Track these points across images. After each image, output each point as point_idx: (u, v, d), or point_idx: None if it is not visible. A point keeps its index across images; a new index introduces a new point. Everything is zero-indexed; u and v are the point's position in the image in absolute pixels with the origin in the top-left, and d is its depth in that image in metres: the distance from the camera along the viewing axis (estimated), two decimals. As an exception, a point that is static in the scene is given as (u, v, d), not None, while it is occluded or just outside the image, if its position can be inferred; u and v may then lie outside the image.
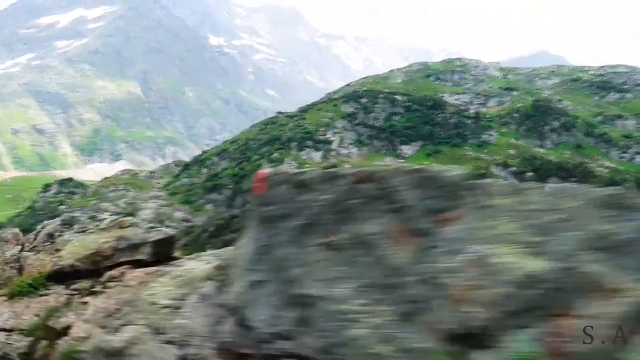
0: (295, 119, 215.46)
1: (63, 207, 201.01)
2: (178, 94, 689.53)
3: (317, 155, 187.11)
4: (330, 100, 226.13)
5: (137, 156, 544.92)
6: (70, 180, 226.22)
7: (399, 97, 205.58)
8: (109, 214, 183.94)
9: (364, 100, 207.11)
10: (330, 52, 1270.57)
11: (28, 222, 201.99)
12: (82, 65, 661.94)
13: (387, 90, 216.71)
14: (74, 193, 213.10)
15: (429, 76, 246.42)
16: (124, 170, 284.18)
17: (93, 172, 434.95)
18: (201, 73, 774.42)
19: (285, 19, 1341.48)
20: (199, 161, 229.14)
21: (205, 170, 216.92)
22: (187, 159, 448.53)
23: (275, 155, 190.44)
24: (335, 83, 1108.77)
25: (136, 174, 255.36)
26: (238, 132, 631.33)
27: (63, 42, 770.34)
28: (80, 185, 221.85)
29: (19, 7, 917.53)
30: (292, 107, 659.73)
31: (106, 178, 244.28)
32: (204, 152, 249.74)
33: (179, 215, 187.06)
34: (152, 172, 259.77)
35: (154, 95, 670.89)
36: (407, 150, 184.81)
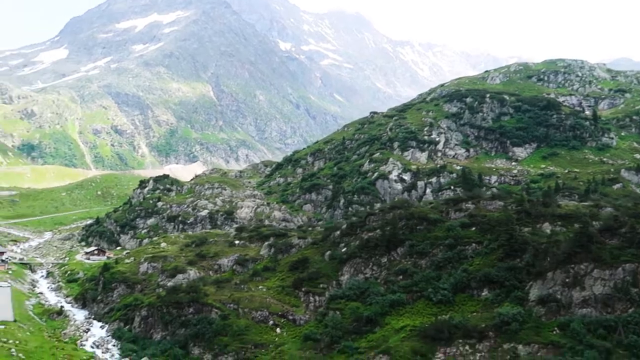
0: (394, 118, 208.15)
1: (160, 203, 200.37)
2: (249, 97, 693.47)
3: (422, 156, 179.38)
4: (430, 100, 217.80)
5: (210, 157, 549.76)
6: (166, 176, 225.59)
7: (507, 97, 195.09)
8: (206, 211, 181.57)
9: (468, 100, 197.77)
10: (397, 58, 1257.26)
11: (127, 217, 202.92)
12: (158, 67, 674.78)
13: (493, 90, 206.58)
14: (169, 190, 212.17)
15: (529, 77, 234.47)
16: (213, 169, 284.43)
17: (170, 172, 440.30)
18: (271, 77, 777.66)
19: (351, 25, 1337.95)
20: (292, 161, 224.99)
21: (299, 170, 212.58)
22: (258, 161, 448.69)
23: (377, 155, 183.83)
24: (402, 89, 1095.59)
25: (225, 172, 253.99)
26: (308, 136, 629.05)
27: (139, 46, 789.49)
28: (176, 182, 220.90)
29: (95, 12, 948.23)
30: (359, 112, 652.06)
31: (197, 176, 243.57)
32: (296, 152, 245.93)
33: (277, 214, 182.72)
34: (240, 172, 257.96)
35: (225, 97, 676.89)
36: (520, 152, 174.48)
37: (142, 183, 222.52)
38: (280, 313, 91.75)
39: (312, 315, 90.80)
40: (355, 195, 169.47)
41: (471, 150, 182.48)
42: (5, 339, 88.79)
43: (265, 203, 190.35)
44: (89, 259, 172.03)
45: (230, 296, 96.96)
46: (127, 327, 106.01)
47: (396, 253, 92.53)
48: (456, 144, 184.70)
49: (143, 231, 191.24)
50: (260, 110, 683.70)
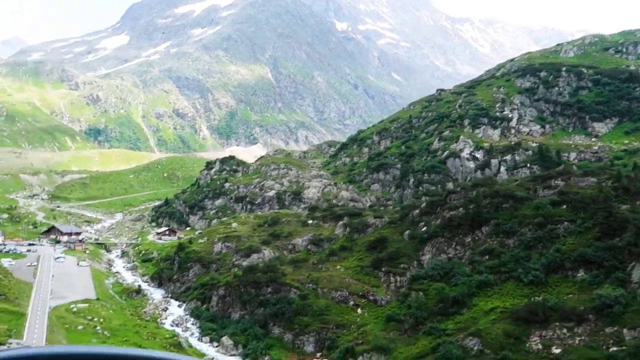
0: (463, 95, 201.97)
1: (227, 184, 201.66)
2: (307, 79, 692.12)
3: (495, 133, 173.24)
4: (500, 76, 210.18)
5: (270, 139, 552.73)
6: (232, 157, 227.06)
7: (584, 70, 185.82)
8: (274, 191, 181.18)
9: (543, 74, 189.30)
10: (456, 35, 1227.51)
11: (195, 198, 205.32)
12: (216, 51, 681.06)
13: (568, 63, 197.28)
14: (235, 171, 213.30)
15: (606, 49, 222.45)
16: (277, 150, 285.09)
17: (231, 154, 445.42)
18: (328, 57, 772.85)
19: (408, 3, 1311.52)
20: (358, 140, 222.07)
21: (365, 149, 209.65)
22: (318, 142, 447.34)
23: (446, 132, 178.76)
24: (461, 67, 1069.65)
25: (289, 153, 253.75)
26: (367, 116, 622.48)
27: (197, 30, 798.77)
28: (242, 163, 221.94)
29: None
30: (417, 91, 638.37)
31: (262, 157, 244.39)
32: (360, 131, 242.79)
33: (345, 194, 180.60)
34: (304, 152, 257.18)
35: (284, 79, 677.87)
36: (600, 127, 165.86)
37: (209, 164, 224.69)
38: (360, 293, 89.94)
39: (393, 296, 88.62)
40: (425, 174, 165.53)
41: (547, 126, 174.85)
42: (90, 317, 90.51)
43: (332, 183, 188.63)
44: (160, 239, 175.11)
45: (309, 276, 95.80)
46: (205, 306, 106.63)
47: (481, 232, 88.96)
48: (530, 120, 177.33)
49: (211, 212, 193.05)
50: (318, 91, 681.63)
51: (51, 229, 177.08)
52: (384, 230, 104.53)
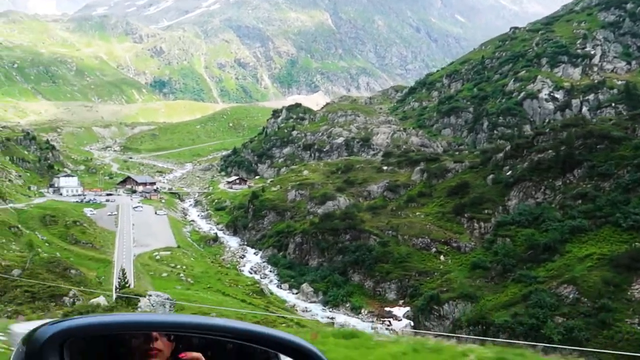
0: (539, 32, 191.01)
1: (295, 132, 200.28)
2: (368, 23, 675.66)
3: (575, 72, 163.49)
4: (581, 10, 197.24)
5: (331, 87, 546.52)
6: (298, 105, 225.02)
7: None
8: (342, 138, 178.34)
9: (629, 6, 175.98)
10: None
11: (263, 147, 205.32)
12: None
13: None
14: (302, 118, 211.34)
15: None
16: (342, 97, 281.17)
17: (293, 103, 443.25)
18: (389, 0, 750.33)
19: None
20: (426, 84, 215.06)
21: (435, 93, 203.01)
22: (379, 88, 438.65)
23: (522, 73, 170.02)
24: (529, 5, 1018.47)
25: (355, 99, 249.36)
26: (430, 60, 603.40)
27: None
28: (308, 110, 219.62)
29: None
30: (483, 33, 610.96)
31: (327, 104, 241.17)
32: (429, 75, 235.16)
33: (415, 140, 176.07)
34: (370, 98, 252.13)
35: (344, 25, 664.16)
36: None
37: (275, 113, 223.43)
38: (442, 240, 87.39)
39: (477, 243, 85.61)
40: (500, 117, 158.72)
41: (633, 62, 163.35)
42: (173, 264, 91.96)
43: (401, 128, 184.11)
44: (231, 187, 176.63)
45: (388, 222, 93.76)
46: (281, 253, 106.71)
47: (573, 175, 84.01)
48: (615, 57, 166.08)
49: (280, 160, 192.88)
50: (379, 36, 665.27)
51: (127, 180, 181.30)
52: (465, 175, 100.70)
